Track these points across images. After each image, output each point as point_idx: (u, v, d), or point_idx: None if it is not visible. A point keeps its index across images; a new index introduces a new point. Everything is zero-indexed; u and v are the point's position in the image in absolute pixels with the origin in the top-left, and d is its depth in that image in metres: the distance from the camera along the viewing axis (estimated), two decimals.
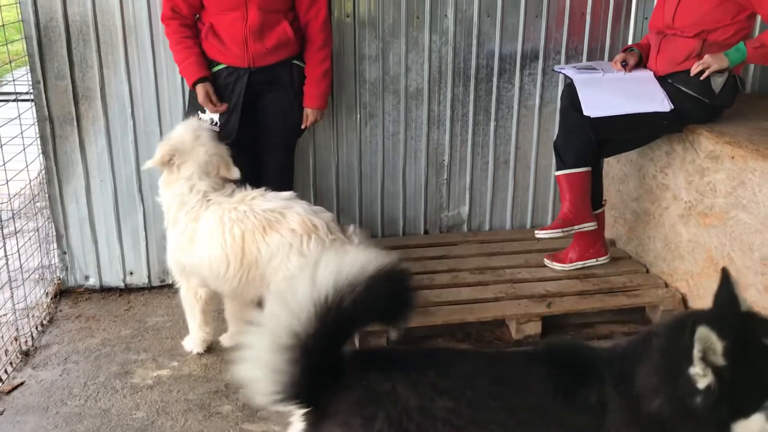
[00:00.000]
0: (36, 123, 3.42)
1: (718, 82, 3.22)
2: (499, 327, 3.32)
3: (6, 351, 3.04)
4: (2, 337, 3.06)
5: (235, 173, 2.92)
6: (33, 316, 3.31)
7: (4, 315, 3.18)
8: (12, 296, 3.18)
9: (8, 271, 3.16)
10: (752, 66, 4.00)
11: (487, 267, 3.63)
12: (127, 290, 3.69)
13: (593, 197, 3.48)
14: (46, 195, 3.55)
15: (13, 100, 3.43)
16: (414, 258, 3.68)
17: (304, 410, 1.59)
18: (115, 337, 3.28)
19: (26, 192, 3.53)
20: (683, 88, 3.26)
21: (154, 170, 3.51)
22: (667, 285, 3.48)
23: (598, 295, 3.41)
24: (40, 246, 3.52)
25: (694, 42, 3.22)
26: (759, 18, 3.31)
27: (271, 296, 1.61)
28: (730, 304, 1.51)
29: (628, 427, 1.48)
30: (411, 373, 1.56)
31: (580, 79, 3.41)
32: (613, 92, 3.34)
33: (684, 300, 3.39)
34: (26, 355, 3.11)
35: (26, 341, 3.17)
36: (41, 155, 3.47)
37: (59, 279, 3.65)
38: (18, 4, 3.28)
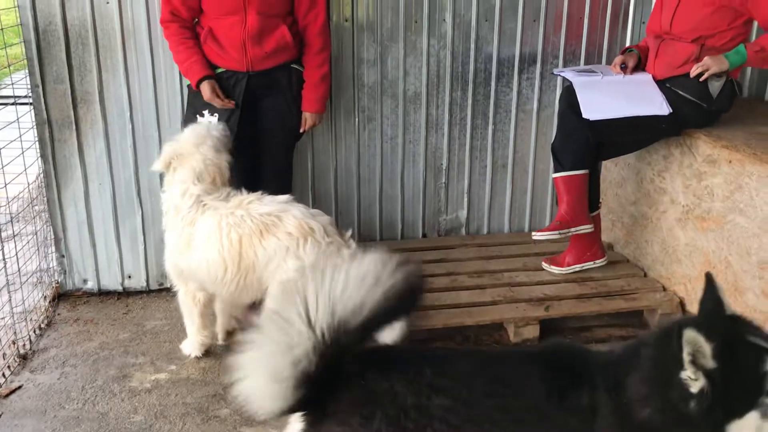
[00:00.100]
0: (35, 126, 3.43)
1: (715, 87, 3.23)
2: (498, 330, 3.33)
3: (4, 354, 3.04)
4: (0, 340, 3.06)
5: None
6: (31, 319, 3.31)
7: (2, 318, 3.17)
8: (10, 299, 3.17)
9: (6, 275, 3.15)
10: (749, 70, 4.01)
11: (486, 270, 3.63)
12: (126, 294, 3.69)
13: (590, 200, 3.48)
14: (45, 198, 3.55)
15: (12, 104, 3.43)
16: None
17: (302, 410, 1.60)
18: (113, 340, 3.28)
19: (25, 195, 3.53)
20: (681, 93, 3.27)
21: (153, 174, 3.54)
22: (665, 288, 3.49)
23: (596, 298, 3.41)
24: (38, 249, 3.52)
25: (693, 47, 3.23)
26: (755, 23, 3.33)
27: (277, 316, 1.53)
28: (716, 308, 1.52)
29: None
30: (408, 372, 1.57)
31: (579, 81, 3.41)
32: (612, 95, 3.35)
33: (682, 303, 3.39)
34: (24, 358, 3.11)
35: (24, 344, 3.17)
36: (40, 159, 3.47)
37: (57, 282, 3.64)
38: (17, 8, 3.28)
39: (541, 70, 3.89)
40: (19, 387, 2.92)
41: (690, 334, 1.36)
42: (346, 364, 1.56)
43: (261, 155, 3.32)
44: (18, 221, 3.45)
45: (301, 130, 3.37)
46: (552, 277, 3.57)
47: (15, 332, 3.15)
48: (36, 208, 3.60)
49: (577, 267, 3.57)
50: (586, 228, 3.44)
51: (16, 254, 3.27)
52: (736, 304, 2.97)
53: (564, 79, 3.63)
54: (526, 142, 4.00)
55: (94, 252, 3.62)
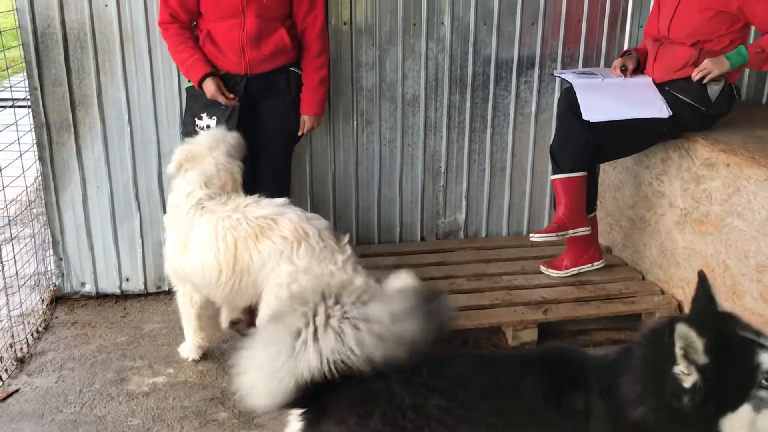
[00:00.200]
0: (33, 129, 3.42)
1: (714, 90, 3.23)
2: (496, 334, 3.32)
3: (1, 358, 3.03)
4: None
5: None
6: (29, 322, 3.30)
7: (0, 321, 3.18)
8: (8, 303, 3.17)
9: (4, 278, 3.15)
10: (747, 74, 4.02)
11: (484, 274, 3.63)
12: (123, 297, 3.69)
13: (588, 202, 3.49)
14: (43, 201, 3.54)
15: (10, 107, 3.43)
16: (411, 265, 3.66)
17: (301, 410, 1.60)
18: (111, 343, 3.27)
19: (23, 198, 3.52)
20: (680, 96, 3.28)
21: (151, 177, 3.54)
22: (663, 292, 3.49)
23: (594, 302, 3.41)
24: (36, 252, 3.51)
25: (691, 50, 3.23)
26: (753, 28, 3.33)
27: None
28: (708, 305, 1.53)
29: None
30: (406, 372, 1.57)
31: (579, 83, 3.42)
32: (613, 97, 3.35)
33: (680, 307, 3.39)
34: (21, 361, 3.10)
35: (22, 348, 3.16)
36: (38, 162, 3.47)
37: (55, 285, 3.64)
38: (15, 11, 3.28)
39: (540, 73, 3.89)
40: (17, 390, 2.91)
41: (682, 329, 1.37)
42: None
43: (259, 158, 3.32)
44: (16, 224, 3.45)
45: (300, 133, 3.38)
46: (550, 280, 3.57)
47: (12, 335, 3.15)
48: (34, 210, 3.60)
49: (575, 270, 3.57)
50: (584, 230, 3.44)
51: (14, 257, 3.26)
52: (734, 307, 2.97)
53: (563, 81, 3.63)
54: (524, 145, 4.00)
55: (92, 255, 3.62)
